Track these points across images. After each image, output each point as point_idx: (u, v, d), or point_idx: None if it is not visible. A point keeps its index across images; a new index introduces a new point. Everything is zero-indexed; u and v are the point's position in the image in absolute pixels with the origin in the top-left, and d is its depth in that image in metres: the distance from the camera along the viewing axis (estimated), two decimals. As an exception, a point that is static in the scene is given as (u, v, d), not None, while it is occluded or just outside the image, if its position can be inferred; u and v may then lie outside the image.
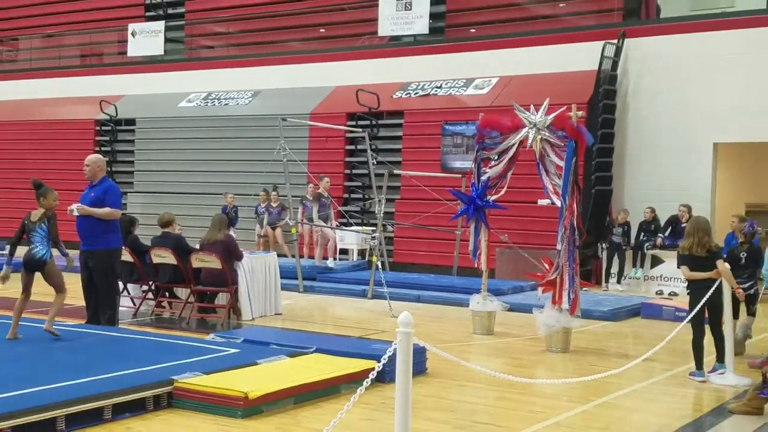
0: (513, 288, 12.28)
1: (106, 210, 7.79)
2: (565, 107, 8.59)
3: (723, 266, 6.95)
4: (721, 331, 7.11)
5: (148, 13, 21.24)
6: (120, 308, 8.62)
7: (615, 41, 14.81)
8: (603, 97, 14.52)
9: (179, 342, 7.26)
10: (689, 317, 6.97)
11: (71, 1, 22.16)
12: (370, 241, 13.09)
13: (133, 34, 20.47)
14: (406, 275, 13.64)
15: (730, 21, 14.26)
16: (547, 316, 8.26)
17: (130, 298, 10.17)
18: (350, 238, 15.53)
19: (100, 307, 7.92)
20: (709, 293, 6.88)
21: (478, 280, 9.89)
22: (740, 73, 13.93)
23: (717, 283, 6.96)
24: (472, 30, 17.53)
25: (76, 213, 7.79)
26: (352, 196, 16.74)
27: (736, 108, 13.91)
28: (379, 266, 11.20)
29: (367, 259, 15.03)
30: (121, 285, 9.32)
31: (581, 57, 14.81)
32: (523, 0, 17.20)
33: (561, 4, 16.91)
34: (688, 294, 7.18)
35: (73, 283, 8.02)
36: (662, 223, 13.63)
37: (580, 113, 8.52)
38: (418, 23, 16.90)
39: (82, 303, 8.22)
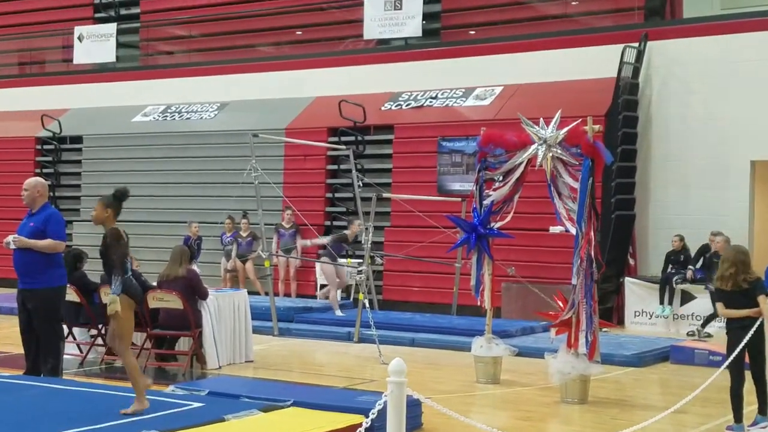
0: (522, 329, 12.29)
1: (47, 242, 7.78)
2: (580, 120, 8.66)
3: (765, 303, 6.98)
4: (764, 378, 7.13)
5: (97, 15, 21.30)
6: (65, 356, 8.56)
7: (636, 44, 14.95)
8: (623, 108, 14.63)
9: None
10: (727, 362, 6.99)
11: (7, 1, 22.22)
12: (355, 275, 13.06)
13: (80, 39, 20.52)
14: (398, 315, 13.62)
15: (768, 21, 14.43)
16: (562, 362, 8.26)
17: (76, 345, 10.11)
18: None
19: (42, 355, 7.87)
20: (750, 334, 6.91)
21: (481, 320, 9.90)
22: (781, 80, 14.07)
23: (758, 323, 6.98)
24: (472, 32, 17.66)
25: (12, 246, 7.78)
26: (335, 223, 16.74)
27: (776, 120, 14.03)
28: (367, 305, 11.19)
29: (352, 296, 15.00)
30: (65, 329, 9.27)
31: (597, 62, 14.94)
32: (529, -2, 17.40)
33: (574, 3, 17.09)
34: (726, 334, 7.21)
35: (8, 328, 7.99)
36: (693, 253, 13.69)
37: (596, 127, 8.59)
38: (410, 25, 17.03)
39: (20, 350, 8.17)
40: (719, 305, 7.16)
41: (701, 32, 14.90)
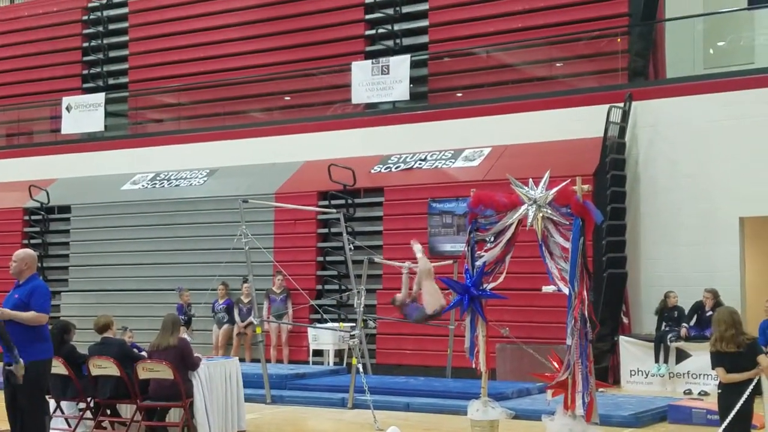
0: (518, 391, 12.16)
1: (30, 314, 7.68)
2: (569, 180, 8.66)
3: (766, 361, 6.91)
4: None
5: (85, 85, 21.43)
6: (52, 431, 8.39)
7: (621, 104, 15.09)
8: (611, 167, 14.69)
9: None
10: (722, 428, 6.92)
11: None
12: (348, 340, 12.93)
13: (68, 109, 20.57)
14: (392, 379, 13.48)
15: (752, 79, 14.56)
16: (560, 424, 8.14)
17: (64, 419, 9.93)
18: (325, 337, 15.37)
19: (26, 431, 7.71)
20: (743, 399, 6.83)
21: (476, 382, 9.73)
22: (767, 137, 14.16)
23: (752, 386, 6.89)
24: (459, 94, 17.81)
25: (-5, 317, 7.67)
26: (327, 287, 16.65)
27: (763, 177, 14.09)
28: (360, 369, 11.06)
29: (345, 361, 14.83)
30: (53, 403, 9.11)
31: (584, 123, 15.05)
32: (515, 60, 17.58)
33: (558, 64, 17.29)
34: (718, 396, 7.15)
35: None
36: (686, 310, 13.63)
37: (585, 187, 8.57)
38: (397, 88, 17.17)
39: (6, 425, 7.99)
40: (720, 370, 7.05)
41: (685, 92, 15.07)
